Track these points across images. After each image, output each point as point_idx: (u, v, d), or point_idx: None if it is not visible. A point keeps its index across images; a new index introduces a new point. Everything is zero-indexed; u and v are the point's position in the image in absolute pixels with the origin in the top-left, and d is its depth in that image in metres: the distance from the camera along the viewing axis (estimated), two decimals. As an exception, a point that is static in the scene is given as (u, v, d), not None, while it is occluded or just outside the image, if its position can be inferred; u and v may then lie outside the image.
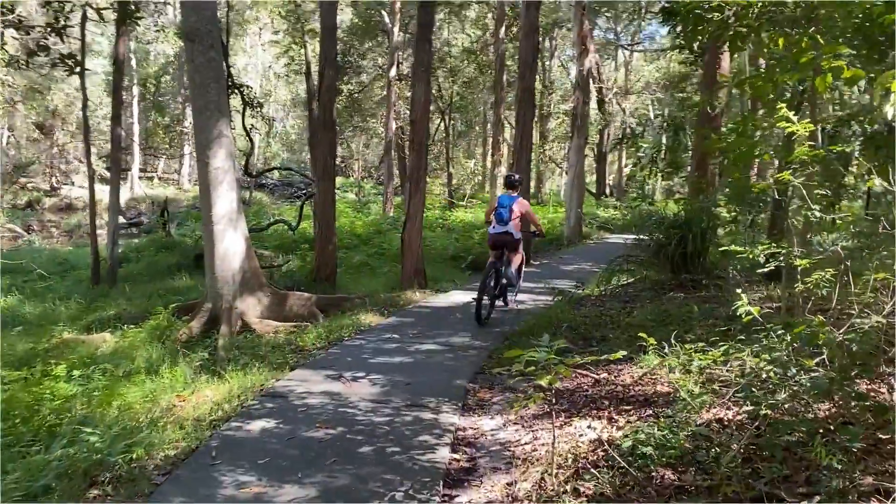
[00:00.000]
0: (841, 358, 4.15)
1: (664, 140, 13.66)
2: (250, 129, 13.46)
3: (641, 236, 9.45)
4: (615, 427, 4.98)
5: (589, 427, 5.01)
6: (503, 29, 25.61)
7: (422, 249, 11.30)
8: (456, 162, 37.34)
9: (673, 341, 6.21)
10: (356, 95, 29.27)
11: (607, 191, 30.85)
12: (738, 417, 4.67)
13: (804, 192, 5.35)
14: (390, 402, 5.81)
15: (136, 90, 40.18)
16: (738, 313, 4.78)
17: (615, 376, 6.11)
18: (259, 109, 14.06)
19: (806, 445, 3.99)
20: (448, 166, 31.05)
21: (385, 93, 25.56)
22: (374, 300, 10.19)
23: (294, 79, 43.81)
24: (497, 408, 5.89)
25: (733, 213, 8.38)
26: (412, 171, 10.94)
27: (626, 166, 30.53)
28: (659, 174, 14.25)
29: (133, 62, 40.01)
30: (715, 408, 4.91)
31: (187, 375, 6.95)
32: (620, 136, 13.66)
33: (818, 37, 4.86)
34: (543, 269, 13.61)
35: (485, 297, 8.74)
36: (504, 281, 9.06)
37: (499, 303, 9.39)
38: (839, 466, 3.43)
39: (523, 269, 9.55)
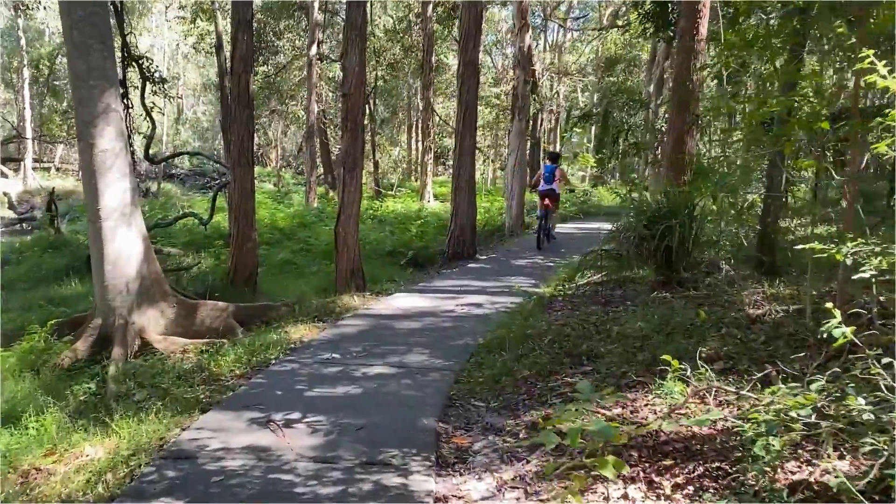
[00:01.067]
0: None
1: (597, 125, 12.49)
2: (151, 108, 11.52)
3: (621, 228, 8.16)
4: (661, 496, 3.61)
5: (625, 498, 3.62)
6: (430, 7, 24.10)
7: (359, 246, 9.71)
8: (381, 150, 35.63)
9: (700, 363, 4.93)
10: (273, 78, 27.16)
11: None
12: (824, 479, 3.38)
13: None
14: (339, 460, 4.28)
15: (27, 73, 36.56)
16: (826, 334, 3.47)
17: (631, 412, 4.76)
18: (162, 85, 12.11)
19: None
20: (374, 154, 29.29)
21: (305, 73, 23.62)
22: (305, 308, 8.57)
23: (204, 61, 41.00)
24: (482, 460, 4.44)
25: (724, 199, 7.18)
26: (346, 155, 9.34)
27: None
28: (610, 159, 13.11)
29: (23, 41, 36.42)
30: (788, 462, 3.63)
31: (60, 425, 5.21)
32: (578, 116, 12.38)
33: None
34: (493, 265, 12.25)
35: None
36: (550, 223, 14.57)
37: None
38: None
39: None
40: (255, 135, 34.20)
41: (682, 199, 7.89)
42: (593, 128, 35.90)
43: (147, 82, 11.49)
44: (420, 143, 26.29)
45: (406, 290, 10.07)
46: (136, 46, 11.82)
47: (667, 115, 10.62)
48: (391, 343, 7.10)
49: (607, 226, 19.11)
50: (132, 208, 7.71)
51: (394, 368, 6.21)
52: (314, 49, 22.39)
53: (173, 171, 42.13)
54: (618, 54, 25.20)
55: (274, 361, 6.53)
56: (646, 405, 4.83)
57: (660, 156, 15.41)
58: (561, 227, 18.96)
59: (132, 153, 11.31)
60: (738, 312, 6.52)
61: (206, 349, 7.40)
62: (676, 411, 4.53)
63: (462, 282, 10.49)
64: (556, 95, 27.63)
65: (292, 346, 7.12)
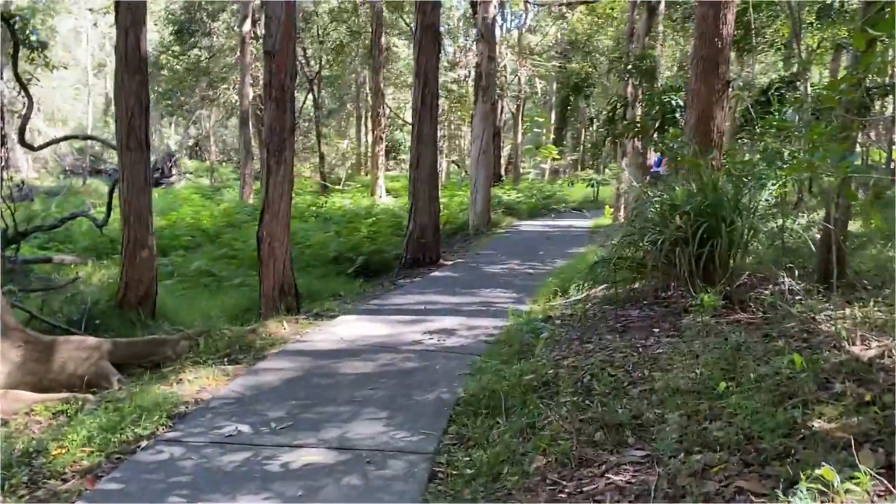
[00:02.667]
0: None
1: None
2: (28, 80, 9.03)
3: (643, 228, 6.08)
4: None
5: None
6: (379, -18, 21.80)
7: (290, 254, 7.44)
8: (328, 142, 33.14)
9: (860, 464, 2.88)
10: (206, 61, 24.44)
11: (502, 171, 27.72)
12: None
13: None
14: None
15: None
16: None
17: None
18: (40, 51, 9.59)
19: None
20: (319, 145, 26.86)
21: (238, 54, 21.07)
22: (214, 341, 6.27)
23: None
24: None
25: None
26: (270, 133, 7.06)
27: (520, 142, 27.59)
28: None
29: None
30: None
31: None
32: (571, 86, 10.19)
33: None
34: (461, 273, 10.07)
35: None
36: None
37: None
38: None
39: None
40: (192, 126, 31.26)
41: (722, 187, 5.87)
42: (553, 116, 34.12)
43: (20, 47, 8.99)
44: (370, 134, 23.94)
45: (355, 310, 7.80)
46: (67, 44, 9.31)
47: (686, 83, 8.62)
48: (330, 400, 4.88)
49: (580, 223, 17.29)
50: (-48, 207, 5.33)
51: (333, 452, 4.00)
52: (247, 25, 19.85)
53: (102, 167, 38.85)
54: (587, 32, 23.26)
55: (146, 442, 4.24)
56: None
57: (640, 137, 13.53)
58: (530, 225, 17.00)
59: (3, 137, 8.83)
60: (837, 350, 4.50)
61: (66, 405, 5.12)
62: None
63: (426, 297, 8.28)
64: (517, 80, 25.59)
65: (183, 408, 4.84)
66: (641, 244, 6.04)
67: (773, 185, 6.26)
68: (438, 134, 33.87)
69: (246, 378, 5.42)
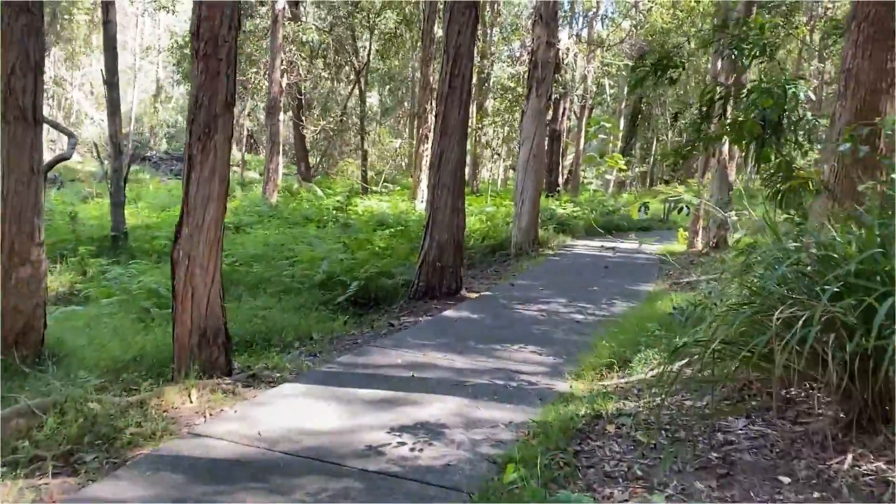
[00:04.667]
0: None
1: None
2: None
3: (766, 292, 3.53)
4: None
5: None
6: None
7: (221, 284, 5.14)
8: (378, 141, 31.07)
9: None
10: (241, 42, 22.55)
11: (561, 181, 24.96)
12: None
13: None
14: None
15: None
16: None
17: None
18: None
19: None
20: (363, 143, 24.71)
21: (270, 33, 18.97)
22: (67, 421, 4.00)
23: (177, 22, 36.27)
24: None
25: None
26: (196, 105, 4.72)
27: (584, 150, 24.86)
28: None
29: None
30: None
31: None
32: (652, 63, 7.68)
33: None
34: (485, 312, 7.56)
35: None
36: None
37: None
38: None
39: None
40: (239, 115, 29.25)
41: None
42: (622, 124, 31.21)
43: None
44: (416, 131, 21.70)
45: (310, 372, 5.34)
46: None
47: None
48: None
49: (646, 247, 14.58)
50: None
51: None
52: (282, 2, 17.78)
53: (147, 154, 37.78)
54: (665, 29, 20.45)
55: None
56: None
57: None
58: (585, 246, 14.41)
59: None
60: None
61: None
62: None
63: (423, 353, 5.83)
64: (584, 80, 22.88)
65: None
66: (765, 320, 3.48)
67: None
68: (499, 138, 31.29)
69: (48, 522, 3.12)
